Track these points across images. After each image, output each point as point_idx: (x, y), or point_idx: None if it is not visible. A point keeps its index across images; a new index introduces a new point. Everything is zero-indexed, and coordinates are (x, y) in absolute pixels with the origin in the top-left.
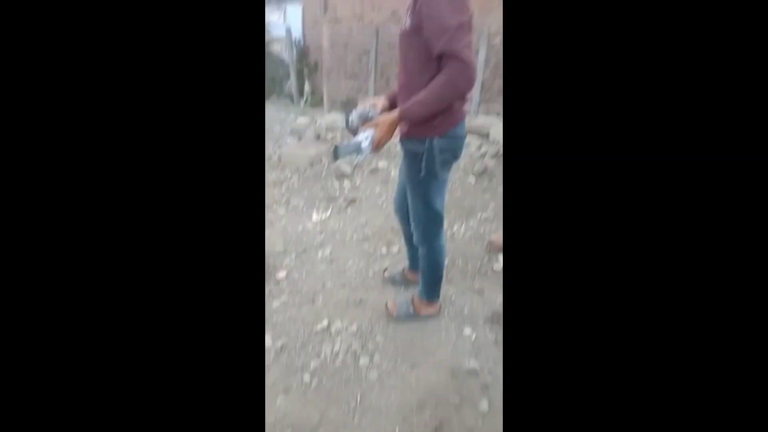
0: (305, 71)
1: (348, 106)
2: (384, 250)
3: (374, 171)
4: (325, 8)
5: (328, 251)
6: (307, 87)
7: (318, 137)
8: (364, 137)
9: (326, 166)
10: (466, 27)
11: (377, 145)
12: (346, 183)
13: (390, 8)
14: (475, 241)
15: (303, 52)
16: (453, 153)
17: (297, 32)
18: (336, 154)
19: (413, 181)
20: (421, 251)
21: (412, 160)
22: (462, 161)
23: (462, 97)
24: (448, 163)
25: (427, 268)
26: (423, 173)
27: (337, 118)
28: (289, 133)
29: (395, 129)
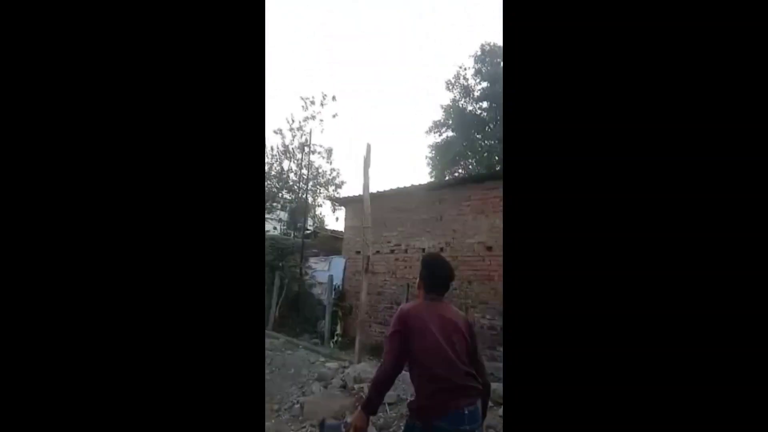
0: (339, 313)
1: (377, 351)
2: None
3: None
4: (367, 266)
5: None
6: (338, 329)
7: (344, 387)
8: (344, 424)
9: None
10: (389, 339)
11: (348, 430)
12: None
13: (418, 267)
14: None
15: (341, 296)
16: None
17: (338, 279)
18: (322, 428)
19: None
20: None
21: None
22: None
23: (383, 384)
24: None
25: None
26: None
27: (367, 367)
28: (316, 378)
29: (361, 419)
